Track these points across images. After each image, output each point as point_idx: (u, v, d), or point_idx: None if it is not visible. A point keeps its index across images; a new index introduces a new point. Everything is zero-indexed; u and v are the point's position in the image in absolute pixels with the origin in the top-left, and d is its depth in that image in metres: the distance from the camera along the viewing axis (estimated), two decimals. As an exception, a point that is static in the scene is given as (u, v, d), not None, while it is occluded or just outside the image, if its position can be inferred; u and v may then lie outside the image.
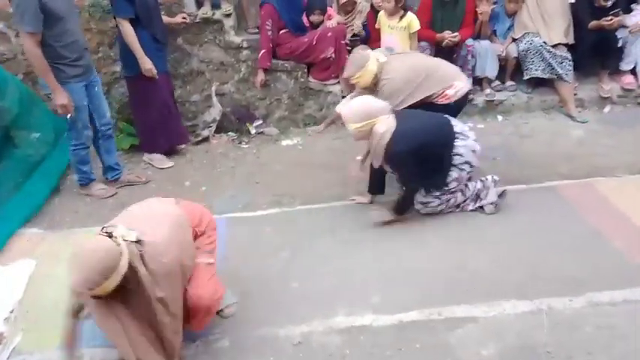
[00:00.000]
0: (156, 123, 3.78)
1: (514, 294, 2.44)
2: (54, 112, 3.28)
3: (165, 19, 3.81)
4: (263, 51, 4.03)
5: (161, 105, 3.75)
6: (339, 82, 4.28)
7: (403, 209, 2.95)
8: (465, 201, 3.00)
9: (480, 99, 4.31)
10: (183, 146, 4.05)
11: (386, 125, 2.73)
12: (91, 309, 1.96)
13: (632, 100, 4.33)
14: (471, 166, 2.91)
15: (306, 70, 4.25)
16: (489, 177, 3.02)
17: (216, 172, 3.77)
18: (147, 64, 3.52)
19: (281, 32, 4.08)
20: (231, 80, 4.26)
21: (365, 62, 3.04)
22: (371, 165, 2.96)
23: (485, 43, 4.22)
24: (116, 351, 2.25)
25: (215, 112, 4.17)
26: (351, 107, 2.80)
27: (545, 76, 4.21)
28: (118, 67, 4.08)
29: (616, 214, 2.97)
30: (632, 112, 4.24)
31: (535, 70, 4.19)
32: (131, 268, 1.81)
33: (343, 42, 4.11)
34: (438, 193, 2.92)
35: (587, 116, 4.18)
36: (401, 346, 2.21)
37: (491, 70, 4.28)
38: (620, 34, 4.14)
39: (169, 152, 3.98)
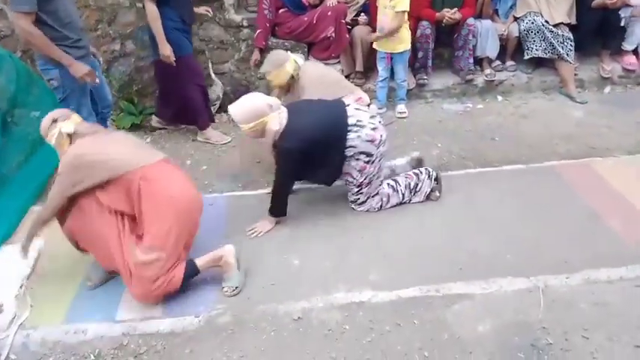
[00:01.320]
0: (202, 100, 3.82)
1: (511, 271, 2.48)
2: (53, 89, 3.23)
3: None
4: (259, 30, 4.01)
5: (201, 82, 3.79)
6: (339, 61, 4.26)
7: (275, 209, 2.84)
8: (402, 196, 2.95)
9: (479, 79, 4.30)
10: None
11: (278, 122, 2.66)
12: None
13: (633, 80, 4.32)
14: (368, 156, 2.76)
15: (306, 50, 4.23)
16: (424, 170, 2.99)
17: (217, 151, 3.78)
18: (166, 51, 3.41)
19: (280, 11, 4.04)
20: (231, 59, 4.23)
21: (283, 62, 3.10)
22: (275, 184, 2.81)
23: (486, 22, 4.19)
24: (119, 325, 2.31)
25: (217, 89, 4.17)
26: (240, 107, 2.68)
27: (546, 56, 4.19)
28: (117, 46, 4.05)
29: (613, 194, 3.00)
30: (632, 93, 4.25)
31: (536, 49, 4.17)
32: None
33: (343, 21, 4.07)
34: (357, 189, 2.86)
35: (587, 97, 4.18)
36: (399, 321, 2.26)
37: (491, 49, 4.26)
38: (623, 12, 4.11)
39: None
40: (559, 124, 3.83)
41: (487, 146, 3.60)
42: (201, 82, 3.80)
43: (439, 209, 2.95)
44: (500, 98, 4.26)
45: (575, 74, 4.27)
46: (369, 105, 3.23)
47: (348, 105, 2.83)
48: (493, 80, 4.28)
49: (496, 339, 2.16)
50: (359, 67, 4.22)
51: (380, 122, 2.84)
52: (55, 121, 2.40)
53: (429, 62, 4.20)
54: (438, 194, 3.00)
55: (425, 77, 4.25)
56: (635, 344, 2.10)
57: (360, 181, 2.83)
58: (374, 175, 2.85)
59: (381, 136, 2.79)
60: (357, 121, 2.75)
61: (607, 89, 4.29)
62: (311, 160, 2.71)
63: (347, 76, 4.27)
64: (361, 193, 2.89)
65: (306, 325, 2.28)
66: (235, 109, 2.70)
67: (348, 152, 2.74)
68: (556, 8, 4.10)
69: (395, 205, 2.96)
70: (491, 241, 2.68)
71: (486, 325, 2.22)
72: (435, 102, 4.27)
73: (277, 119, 2.67)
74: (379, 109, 4.12)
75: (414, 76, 4.28)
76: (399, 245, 2.70)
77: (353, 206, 2.96)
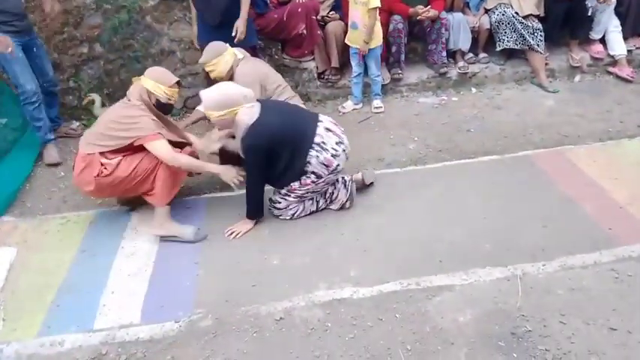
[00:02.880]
0: None
1: (489, 261, 2.51)
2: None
3: None
4: None
5: (205, 76, 3.78)
6: (313, 58, 4.24)
7: (252, 211, 2.80)
8: (318, 205, 2.91)
9: (453, 72, 4.33)
10: None
11: (249, 116, 2.60)
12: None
13: (601, 68, 4.41)
14: (318, 177, 2.74)
15: (280, 47, 4.19)
16: (340, 178, 2.92)
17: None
18: (193, 30, 3.77)
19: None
20: (204, 59, 4.17)
21: (222, 52, 3.08)
22: (247, 185, 2.77)
23: (458, 15, 4.23)
24: (97, 335, 2.26)
25: None
26: (213, 93, 2.62)
27: (517, 47, 4.25)
28: (85, 49, 3.95)
29: (586, 180, 3.06)
30: (601, 81, 4.34)
31: (507, 41, 4.23)
32: None
33: (314, 17, 4.05)
34: (285, 194, 2.80)
35: (558, 86, 4.25)
36: (381, 316, 2.26)
37: (464, 42, 4.29)
38: (589, 2, 4.19)
39: None
40: (532, 114, 3.89)
41: (463, 138, 3.64)
42: None
43: (417, 202, 2.96)
44: (474, 90, 4.30)
45: (546, 64, 4.34)
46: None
47: (321, 122, 2.79)
48: (467, 73, 4.33)
49: (477, 328, 2.18)
50: (334, 63, 4.21)
51: (344, 151, 2.80)
52: None
53: (402, 57, 4.21)
54: (348, 205, 2.93)
55: (400, 72, 4.26)
56: (610, 327, 2.14)
57: (297, 192, 2.79)
58: (311, 193, 2.83)
59: (338, 165, 2.77)
60: (322, 142, 2.73)
61: (577, 78, 4.38)
62: (275, 161, 2.68)
63: (322, 73, 4.26)
64: (285, 200, 2.82)
65: (288, 325, 2.26)
66: (207, 95, 2.64)
67: (304, 166, 2.73)
68: (525, 0, 4.16)
69: (308, 214, 2.91)
70: (470, 232, 2.71)
71: (467, 315, 2.24)
72: (410, 96, 4.29)
73: (249, 112, 2.62)
74: (355, 104, 4.12)
75: (389, 71, 4.29)
76: (379, 240, 2.70)
77: (269, 205, 2.88)
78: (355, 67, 4.00)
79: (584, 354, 2.04)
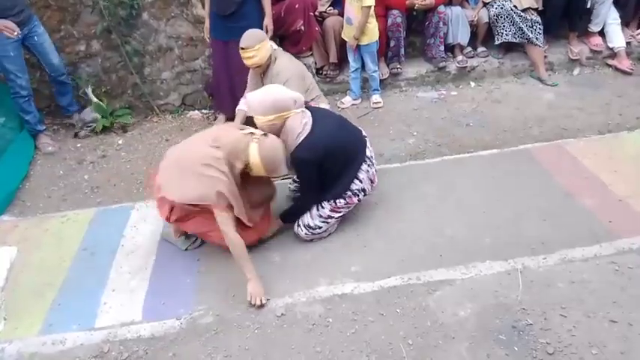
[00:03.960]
0: (215, 86, 3.93)
1: (490, 255, 2.51)
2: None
3: None
4: None
5: (216, 70, 3.87)
6: (312, 54, 4.22)
7: (295, 217, 2.68)
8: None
9: (452, 66, 4.31)
10: None
11: (301, 124, 2.43)
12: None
13: (600, 61, 4.40)
14: (365, 195, 2.68)
15: (278, 43, 4.17)
16: None
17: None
18: (205, 24, 3.72)
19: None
20: (202, 56, 4.15)
21: (264, 38, 2.99)
22: (303, 199, 2.66)
23: (456, 9, 4.21)
24: (99, 333, 2.27)
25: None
26: (262, 97, 2.44)
27: (516, 41, 4.23)
28: (82, 47, 3.93)
29: (586, 174, 3.06)
30: (600, 74, 4.32)
31: (506, 34, 4.21)
32: None
33: (312, 13, 4.03)
34: (326, 216, 2.62)
35: (557, 79, 4.24)
36: (382, 311, 2.27)
37: (463, 36, 4.28)
38: (588, -6, 4.18)
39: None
40: (531, 107, 3.89)
41: (462, 132, 3.63)
42: (219, 69, 3.83)
43: (417, 197, 2.96)
44: (473, 84, 4.29)
45: (545, 57, 4.33)
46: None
47: (366, 135, 2.73)
48: (465, 67, 4.31)
49: (477, 322, 2.18)
50: (332, 58, 4.19)
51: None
52: None
53: (402, 51, 4.20)
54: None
55: (398, 66, 4.24)
56: (611, 319, 2.15)
57: (341, 212, 2.64)
58: (345, 210, 2.68)
59: (376, 182, 2.74)
60: (372, 156, 2.68)
61: (576, 71, 4.36)
62: (324, 175, 2.54)
63: (320, 68, 4.25)
64: (327, 223, 2.63)
65: (289, 321, 2.27)
66: (255, 97, 2.45)
67: (353, 185, 2.60)
68: (523, -7, 4.15)
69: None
70: (470, 226, 2.71)
71: (467, 309, 2.25)
72: (409, 90, 4.28)
73: (299, 119, 2.45)
74: (354, 100, 4.11)
75: (387, 66, 4.28)
76: (379, 235, 2.70)
77: (305, 233, 2.63)
78: (352, 62, 3.99)
79: (585, 347, 2.05)
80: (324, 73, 4.24)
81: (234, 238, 2.36)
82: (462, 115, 3.86)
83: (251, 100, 2.47)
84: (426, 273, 2.45)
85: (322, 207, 2.62)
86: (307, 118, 2.49)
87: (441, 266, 2.48)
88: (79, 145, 3.82)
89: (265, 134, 2.41)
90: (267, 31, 3.51)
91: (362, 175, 2.62)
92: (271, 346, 2.16)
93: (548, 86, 4.17)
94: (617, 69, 4.30)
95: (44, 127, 3.77)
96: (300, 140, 2.43)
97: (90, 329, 2.29)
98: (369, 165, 2.65)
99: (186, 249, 2.71)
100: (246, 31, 3.01)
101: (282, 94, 2.46)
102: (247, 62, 3.00)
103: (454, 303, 2.28)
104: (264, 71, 3.11)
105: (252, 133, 2.40)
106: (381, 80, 4.13)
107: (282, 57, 3.14)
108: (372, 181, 2.70)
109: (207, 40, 3.78)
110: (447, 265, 2.48)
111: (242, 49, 2.96)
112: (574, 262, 2.46)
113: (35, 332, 2.30)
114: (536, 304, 2.25)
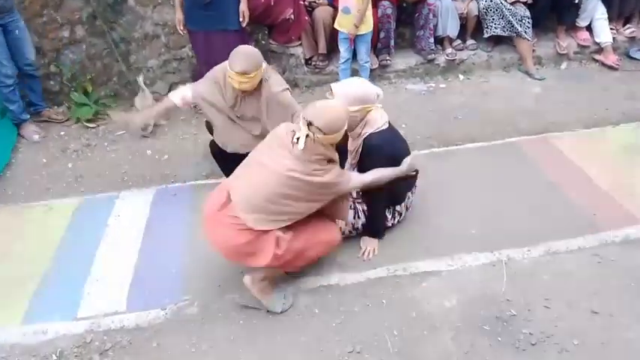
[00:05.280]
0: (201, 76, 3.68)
1: (475, 247, 2.53)
2: None
3: None
4: None
5: (200, 60, 3.77)
6: (300, 44, 4.18)
7: (380, 229, 2.62)
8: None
9: (441, 59, 4.31)
10: None
11: (382, 119, 2.44)
12: None
13: (588, 56, 4.43)
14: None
15: (266, 33, 4.13)
16: None
17: (178, 140, 3.67)
18: (177, 16, 3.61)
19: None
20: (189, 44, 4.07)
21: (261, 62, 2.59)
22: (375, 202, 2.56)
23: (446, 1, 4.19)
24: (81, 323, 2.24)
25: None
26: (348, 87, 2.41)
27: (505, 34, 4.24)
28: (66, 33, 3.84)
29: (571, 167, 3.09)
30: (587, 69, 4.35)
31: (495, 28, 4.22)
32: None
33: (302, 2, 3.99)
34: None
35: (544, 73, 4.26)
36: (368, 302, 2.27)
37: (452, 29, 4.27)
38: (577, -11, 4.19)
39: None
40: (519, 101, 3.90)
41: (451, 125, 3.64)
42: (200, 60, 3.77)
43: (405, 189, 2.96)
44: (461, 77, 4.30)
45: (533, 51, 4.35)
46: None
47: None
48: (454, 59, 4.31)
49: (462, 313, 2.20)
50: (322, 49, 4.16)
51: None
52: None
53: (392, 42, 4.18)
54: None
55: (388, 58, 4.23)
56: (592, 310, 2.18)
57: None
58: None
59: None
60: None
61: (563, 65, 4.39)
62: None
63: (309, 59, 4.22)
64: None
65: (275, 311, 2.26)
66: (343, 88, 2.40)
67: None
68: (513, -14, 4.15)
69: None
70: (456, 218, 2.72)
71: (453, 300, 2.26)
72: (398, 82, 4.27)
73: (380, 113, 2.45)
74: (343, 91, 4.08)
75: (377, 57, 4.26)
76: (366, 226, 2.70)
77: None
78: (344, 52, 3.95)
79: (567, 337, 2.07)
80: (313, 63, 4.21)
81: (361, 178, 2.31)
82: (451, 107, 3.86)
83: (338, 90, 2.39)
84: (411, 264, 2.45)
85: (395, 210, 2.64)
86: (386, 115, 2.48)
87: (426, 257, 2.49)
88: (62, 133, 3.75)
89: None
90: (243, 17, 3.44)
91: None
92: (257, 336, 2.16)
93: (535, 80, 4.19)
94: (603, 64, 4.34)
95: (29, 116, 3.71)
96: (380, 131, 2.41)
97: (72, 319, 2.26)
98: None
99: (281, 311, 2.28)
100: (244, 51, 2.59)
101: (367, 87, 2.44)
102: (237, 86, 2.57)
103: (439, 294, 2.30)
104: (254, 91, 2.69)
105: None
106: (370, 71, 4.11)
107: (271, 71, 2.81)
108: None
109: (181, 32, 3.65)
110: (432, 256, 2.49)
111: (238, 73, 2.52)
112: (558, 254, 2.48)
113: (17, 323, 2.26)
114: (520, 295, 2.27)
